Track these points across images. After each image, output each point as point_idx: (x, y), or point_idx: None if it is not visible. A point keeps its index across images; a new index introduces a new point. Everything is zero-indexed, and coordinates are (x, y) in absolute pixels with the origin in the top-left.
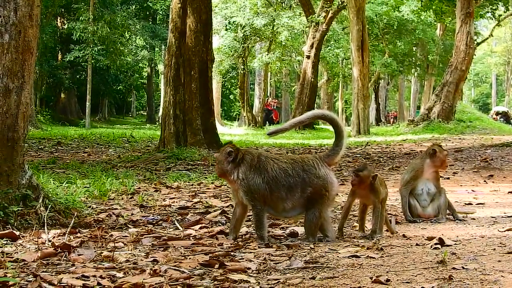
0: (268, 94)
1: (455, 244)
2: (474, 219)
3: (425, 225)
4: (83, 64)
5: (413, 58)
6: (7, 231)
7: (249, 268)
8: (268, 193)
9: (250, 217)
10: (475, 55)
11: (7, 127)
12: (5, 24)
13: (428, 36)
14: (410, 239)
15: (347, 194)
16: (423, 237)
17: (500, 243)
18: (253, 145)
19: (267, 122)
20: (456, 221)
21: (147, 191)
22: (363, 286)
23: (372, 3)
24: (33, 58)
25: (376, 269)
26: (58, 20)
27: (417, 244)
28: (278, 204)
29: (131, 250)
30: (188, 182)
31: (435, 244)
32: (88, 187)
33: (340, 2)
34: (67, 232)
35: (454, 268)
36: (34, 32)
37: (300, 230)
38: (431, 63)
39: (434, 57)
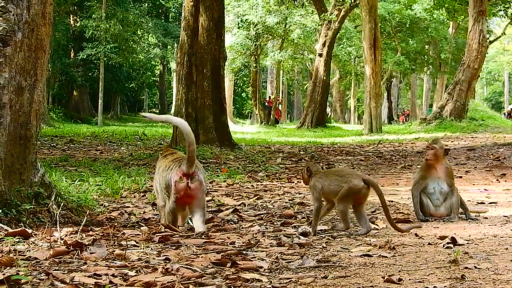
0: (273, 92)
1: (468, 243)
2: (486, 218)
3: (437, 224)
4: (95, 61)
5: (426, 56)
6: (19, 229)
7: (261, 267)
8: None
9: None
10: (487, 53)
11: (19, 125)
12: (18, 22)
13: (441, 34)
14: (422, 238)
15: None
16: (435, 236)
17: None
18: (265, 143)
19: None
20: (468, 220)
21: None
22: (375, 285)
23: (385, 1)
24: (46, 56)
25: (388, 268)
26: (71, 18)
27: (429, 243)
28: None
29: (143, 248)
30: None
31: (448, 243)
32: (100, 185)
33: (352, 0)
34: (79, 230)
35: (466, 268)
36: (47, 30)
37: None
38: (443, 61)
39: (447, 55)
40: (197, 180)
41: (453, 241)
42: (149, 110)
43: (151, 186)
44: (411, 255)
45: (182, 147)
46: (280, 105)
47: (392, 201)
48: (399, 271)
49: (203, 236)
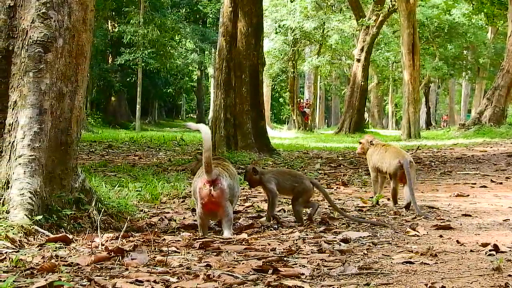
0: (308, 97)
1: (510, 250)
2: None
3: (478, 231)
4: (133, 67)
5: (464, 62)
6: (60, 234)
7: (302, 274)
8: None
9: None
10: None
11: (60, 131)
12: (59, 28)
13: (479, 39)
14: (464, 245)
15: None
16: (477, 243)
17: None
18: (303, 149)
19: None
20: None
21: None
22: None
23: (423, 6)
24: (86, 62)
25: (431, 275)
26: (109, 23)
27: (471, 250)
28: None
29: (184, 254)
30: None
31: (490, 250)
32: (139, 191)
33: (390, 6)
34: (120, 236)
35: (510, 276)
36: (87, 36)
37: (353, 235)
38: (482, 67)
39: (485, 61)
40: (219, 188)
41: (496, 248)
42: (187, 116)
43: (190, 191)
44: (453, 262)
45: (220, 153)
46: (308, 109)
47: (432, 208)
48: (442, 279)
49: (243, 242)
